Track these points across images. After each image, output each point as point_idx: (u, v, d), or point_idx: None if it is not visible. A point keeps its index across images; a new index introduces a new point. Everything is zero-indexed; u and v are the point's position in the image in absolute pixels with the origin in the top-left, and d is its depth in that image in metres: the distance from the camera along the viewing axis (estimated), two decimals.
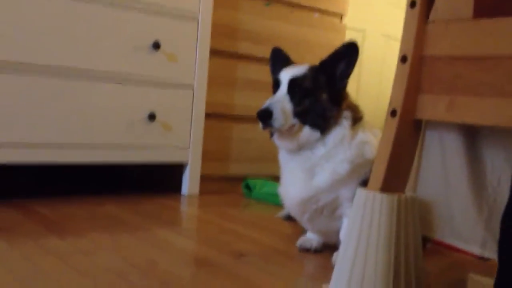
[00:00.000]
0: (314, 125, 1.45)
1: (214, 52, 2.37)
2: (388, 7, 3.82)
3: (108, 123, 2.07)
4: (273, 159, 2.62)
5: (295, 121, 1.44)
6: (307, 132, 1.45)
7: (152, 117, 2.16)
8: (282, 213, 2.02)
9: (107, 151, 2.08)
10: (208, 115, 2.36)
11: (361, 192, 1.22)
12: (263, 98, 2.54)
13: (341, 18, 2.87)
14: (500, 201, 1.12)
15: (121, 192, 2.28)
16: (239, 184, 2.52)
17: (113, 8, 2.04)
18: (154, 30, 2.15)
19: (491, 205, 1.14)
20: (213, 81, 2.38)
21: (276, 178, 2.57)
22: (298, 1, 2.67)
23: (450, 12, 1.18)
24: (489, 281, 1.32)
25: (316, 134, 1.45)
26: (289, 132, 1.45)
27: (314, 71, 1.48)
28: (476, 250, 1.14)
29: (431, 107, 1.19)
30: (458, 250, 1.66)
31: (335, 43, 2.80)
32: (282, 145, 1.52)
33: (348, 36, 3.00)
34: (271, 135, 1.54)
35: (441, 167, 1.23)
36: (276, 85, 1.51)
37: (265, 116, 1.42)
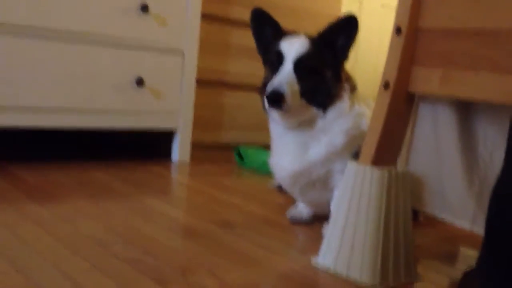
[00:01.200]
0: (319, 104, 1.41)
1: (206, 17, 2.32)
2: None
3: (96, 87, 2.04)
4: (266, 127, 2.62)
5: (302, 101, 1.40)
6: (312, 111, 1.42)
7: (140, 82, 2.12)
8: (274, 182, 2.01)
9: (94, 116, 2.05)
10: (200, 82, 2.33)
11: (352, 165, 1.21)
12: (257, 65, 2.52)
13: None
14: (491, 176, 1.12)
15: (109, 159, 2.26)
16: (231, 152, 2.51)
17: None
18: None
19: (482, 180, 1.14)
20: (205, 47, 2.34)
21: (269, 147, 2.57)
22: None
23: None
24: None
25: (320, 112, 1.42)
26: (293, 112, 1.40)
27: (318, 46, 1.42)
28: (466, 225, 1.14)
29: (425, 80, 1.18)
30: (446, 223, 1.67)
31: (331, 11, 2.77)
32: (282, 122, 1.45)
33: (345, 6, 2.96)
34: (265, 105, 1.49)
35: (433, 141, 1.22)
36: (277, 59, 1.43)
37: (277, 98, 1.34)
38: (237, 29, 2.49)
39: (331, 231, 1.23)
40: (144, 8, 2.09)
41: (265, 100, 1.37)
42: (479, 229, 1.12)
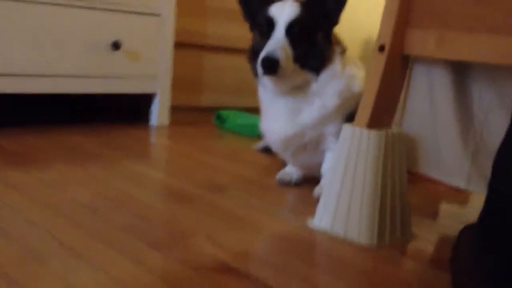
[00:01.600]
0: (312, 68, 1.40)
1: None
2: None
3: (70, 51, 1.98)
4: (246, 90, 2.60)
5: (295, 66, 1.38)
6: (305, 75, 1.41)
7: (116, 45, 2.07)
8: (259, 144, 2.01)
9: (69, 80, 2.00)
10: (179, 44, 2.29)
11: (347, 128, 1.21)
12: (237, 27, 2.48)
13: None
14: (487, 135, 1.14)
15: (88, 122, 2.21)
16: (211, 115, 2.48)
17: None
18: None
19: (477, 139, 1.15)
20: (183, 9, 2.28)
21: (249, 109, 2.55)
22: None
23: None
24: (459, 209, 1.36)
25: (314, 76, 1.41)
26: (287, 77, 1.38)
27: (308, 10, 1.40)
28: (461, 184, 1.16)
29: (420, 42, 1.17)
30: (434, 182, 1.70)
31: None
32: (275, 88, 1.43)
33: None
34: (255, 73, 1.46)
35: (428, 101, 1.23)
36: (267, 24, 1.40)
37: (272, 64, 1.32)
38: None
39: (327, 193, 1.23)
40: None
41: (259, 67, 1.35)
42: (474, 188, 1.15)
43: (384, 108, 1.22)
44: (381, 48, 1.19)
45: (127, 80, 2.15)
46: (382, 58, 1.19)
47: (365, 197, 1.17)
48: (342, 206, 1.20)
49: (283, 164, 1.74)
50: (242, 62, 2.56)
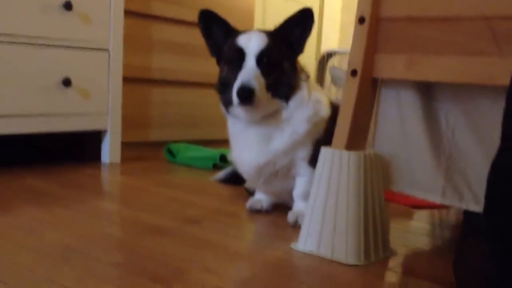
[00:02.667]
0: (282, 96, 1.44)
1: (127, 13, 2.26)
2: None
3: (20, 90, 1.93)
4: (194, 123, 2.61)
5: (268, 95, 1.41)
6: (276, 103, 1.44)
7: (67, 82, 2.04)
8: (217, 176, 2.02)
9: (21, 120, 1.94)
10: (125, 79, 2.27)
11: (326, 151, 1.25)
12: (182, 60, 2.51)
13: None
14: (456, 152, 1.21)
15: (36, 163, 2.14)
16: (160, 150, 2.47)
17: None
18: None
19: (447, 157, 1.22)
20: (128, 44, 2.28)
21: (197, 142, 2.55)
22: None
23: None
24: (426, 224, 1.44)
25: (283, 103, 1.45)
26: (261, 106, 1.41)
27: (275, 39, 1.45)
28: (437, 199, 1.22)
29: (390, 66, 1.24)
30: (393, 199, 1.77)
31: (245, 5, 2.81)
32: (248, 117, 1.46)
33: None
34: (225, 104, 1.48)
35: (398, 122, 1.29)
36: (237, 56, 1.43)
37: (247, 95, 1.35)
38: (159, 24, 2.44)
39: (310, 216, 1.26)
40: (68, 6, 2.00)
41: (234, 97, 1.37)
42: (450, 202, 1.21)
43: (359, 130, 1.28)
44: (354, 73, 1.25)
45: (79, 118, 2.10)
46: (355, 82, 1.25)
47: (350, 217, 1.20)
48: (327, 228, 1.23)
49: (247, 193, 1.76)
50: (188, 95, 2.59)
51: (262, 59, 1.41)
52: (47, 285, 0.99)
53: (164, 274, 1.07)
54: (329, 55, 3.73)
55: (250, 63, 1.41)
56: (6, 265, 1.08)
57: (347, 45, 4.22)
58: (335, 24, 4.35)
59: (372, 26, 1.25)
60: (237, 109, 1.44)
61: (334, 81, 3.10)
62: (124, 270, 1.08)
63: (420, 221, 1.64)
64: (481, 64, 1.11)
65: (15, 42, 1.89)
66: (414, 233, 1.51)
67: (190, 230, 1.38)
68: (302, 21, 1.44)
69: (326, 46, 4.15)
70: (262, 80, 1.40)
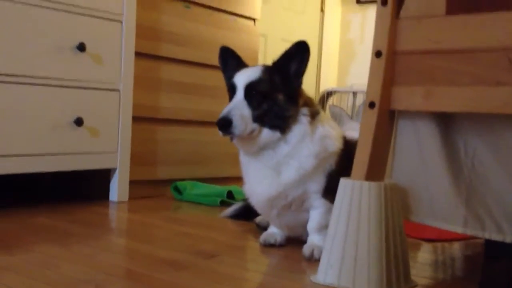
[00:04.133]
0: (273, 127, 1.46)
1: (137, 55, 2.29)
2: (286, 13, 3.96)
3: (32, 129, 1.93)
4: (200, 161, 2.62)
5: (254, 125, 1.45)
6: (266, 134, 1.46)
7: (79, 122, 2.05)
8: (226, 212, 2.02)
9: (32, 160, 1.94)
10: (133, 118, 2.28)
11: (346, 182, 1.26)
12: (188, 100, 2.54)
13: (254, 22, 2.92)
14: (476, 181, 1.22)
15: (45, 202, 2.13)
16: (166, 187, 2.46)
17: (35, 8, 1.91)
18: (78, 31, 2.04)
19: (468, 186, 1.23)
20: (137, 84, 2.30)
21: (204, 180, 2.55)
22: (216, 5, 2.67)
23: (422, 9, 1.26)
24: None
25: (276, 134, 1.46)
26: (250, 136, 1.46)
27: (268, 72, 1.49)
28: (459, 229, 1.22)
29: (407, 98, 1.26)
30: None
31: (250, 45, 2.86)
32: (243, 148, 1.52)
33: (259, 40, 3.07)
34: (231, 138, 1.52)
35: (417, 153, 1.30)
36: (231, 89, 1.49)
37: (225, 124, 1.41)
38: (167, 65, 2.48)
39: (330, 248, 1.26)
40: (81, 47, 2.03)
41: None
42: (472, 231, 1.21)
43: (378, 161, 1.29)
44: (371, 105, 1.27)
45: (89, 157, 2.11)
46: (373, 114, 1.27)
47: (372, 248, 1.20)
48: (348, 259, 1.22)
49: (258, 228, 1.76)
50: (194, 133, 2.60)
51: (250, 91, 1.46)
52: None
53: None
54: (329, 94, 3.78)
55: (238, 96, 1.46)
56: None
57: (345, 84, 4.30)
58: (333, 63, 4.42)
59: (389, 59, 1.28)
60: (234, 142, 1.51)
61: (333, 118, 3.14)
62: None
63: (435, 254, 1.63)
64: (498, 93, 1.13)
65: (29, 82, 1.91)
66: (431, 265, 1.50)
67: (206, 264, 1.37)
68: (298, 54, 1.48)
69: (325, 86, 4.21)
70: (247, 112, 1.44)
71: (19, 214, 1.88)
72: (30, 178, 2.27)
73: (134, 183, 2.31)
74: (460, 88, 1.18)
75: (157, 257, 1.42)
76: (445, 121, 1.28)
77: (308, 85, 3.94)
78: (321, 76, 4.35)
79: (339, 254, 1.24)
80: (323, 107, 3.55)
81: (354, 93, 3.69)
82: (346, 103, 3.74)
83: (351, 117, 2.97)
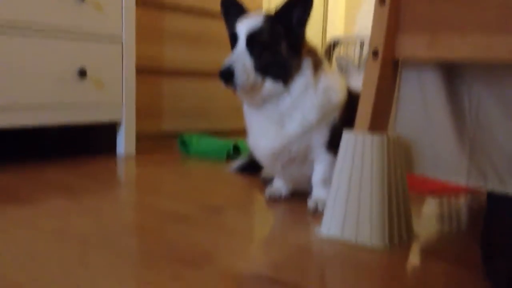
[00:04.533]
0: (276, 77, 1.43)
1: (139, 4, 2.25)
2: None
3: (36, 82, 1.92)
4: (207, 113, 2.61)
5: (257, 76, 1.41)
6: (269, 85, 1.43)
7: (82, 73, 2.03)
8: (233, 166, 2.01)
9: (36, 112, 1.93)
10: (137, 70, 2.26)
11: (349, 135, 1.24)
12: (193, 50, 2.50)
13: None
14: (480, 133, 1.20)
15: (52, 156, 2.14)
16: (173, 140, 2.46)
17: None
18: None
19: (471, 138, 1.21)
20: (140, 34, 2.27)
21: (210, 132, 2.55)
22: None
23: None
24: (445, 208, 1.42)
25: (279, 86, 1.43)
26: (252, 88, 1.42)
27: (270, 21, 1.44)
28: (462, 180, 1.21)
29: (412, 45, 1.23)
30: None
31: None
32: (246, 100, 1.49)
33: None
34: (234, 90, 1.49)
35: (421, 104, 1.28)
36: (233, 39, 1.45)
37: (227, 76, 1.38)
38: (171, 14, 2.43)
39: (333, 201, 1.25)
40: None
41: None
42: (474, 183, 1.19)
43: (381, 112, 1.26)
44: (375, 54, 1.24)
45: (94, 109, 2.10)
46: (376, 64, 1.24)
47: (374, 201, 1.19)
48: (351, 212, 1.22)
49: (263, 183, 1.75)
50: (200, 85, 2.58)
51: (251, 40, 1.41)
52: (77, 269, 0.99)
53: (194, 259, 1.06)
54: (335, 43, 3.71)
55: (240, 46, 1.42)
56: (35, 251, 1.08)
57: (352, 32, 4.18)
58: (340, 10, 4.32)
59: (393, 6, 1.23)
60: (237, 94, 1.46)
61: (340, 70, 3.10)
62: (154, 255, 1.08)
63: (436, 207, 1.62)
64: (505, 41, 1.09)
65: (29, 31, 1.88)
66: (433, 218, 1.49)
67: (213, 217, 1.37)
68: (301, 1, 1.43)
69: (331, 34, 4.12)
70: (249, 62, 1.40)
71: (27, 169, 1.89)
72: (37, 133, 2.28)
73: (140, 137, 2.31)
74: (465, 35, 1.14)
75: (165, 211, 1.43)
76: (450, 72, 1.24)
77: (314, 34, 3.87)
78: (328, 25, 4.25)
79: (342, 206, 1.23)
80: (330, 57, 3.49)
81: (361, 43, 3.62)
82: (353, 53, 3.67)
83: (358, 68, 2.93)
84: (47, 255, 1.06)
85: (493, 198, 1.11)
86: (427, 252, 1.20)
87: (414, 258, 1.16)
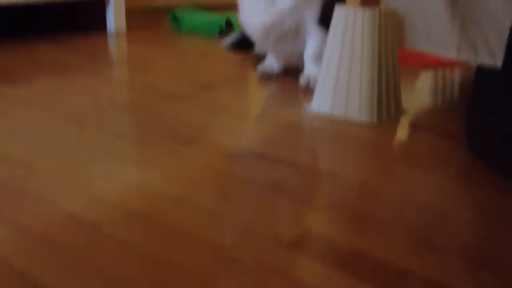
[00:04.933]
0: None
1: None
2: None
3: None
4: None
5: None
6: None
7: None
8: (226, 42, 1.99)
9: None
10: None
11: (340, 9, 1.23)
12: None
13: None
14: (472, 6, 1.18)
15: (45, 34, 2.11)
16: (164, 17, 2.41)
17: None
18: None
19: (463, 11, 1.19)
20: None
21: (203, 7, 2.49)
22: None
23: None
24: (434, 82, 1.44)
25: None
26: None
27: None
28: (452, 53, 1.21)
29: None
30: (401, 60, 1.76)
31: None
32: None
33: None
34: None
35: None
36: None
37: None
38: None
39: (324, 77, 1.26)
40: None
41: None
42: (464, 56, 1.20)
43: None
44: None
45: None
46: None
47: (364, 76, 1.21)
48: (340, 88, 1.24)
49: (257, 59, 1.75)
50: None
51: None
52: (76, 146, 1.02)
53: (186, 135, 1.10)
54: None
55: None
56: (35, 130, 1.11)
57: None
58: None
59: None
60: None
61: None
62: (148, 131, 1.12)
63: (428, 81, 1.64)
64: None
65: None
66: (423, 92, 1.52)
67: (205, 95, 1.39)
68: None
69: None
70: None
71: (20, 46, 1.87)
72: (28, 10, 2.23)
73: (131, 13, 2.26)
74: None
75: (157, 89, 1.44)
76: None
77: None
78: None
79: (333, 83, 1.25)
80: None
81: None
82: None
83: None
84: (47, 134, 1.09)
85: (481, 72, 1.12)
86: (414, 126, 1.23)
87: (401, 132, 1.20)
